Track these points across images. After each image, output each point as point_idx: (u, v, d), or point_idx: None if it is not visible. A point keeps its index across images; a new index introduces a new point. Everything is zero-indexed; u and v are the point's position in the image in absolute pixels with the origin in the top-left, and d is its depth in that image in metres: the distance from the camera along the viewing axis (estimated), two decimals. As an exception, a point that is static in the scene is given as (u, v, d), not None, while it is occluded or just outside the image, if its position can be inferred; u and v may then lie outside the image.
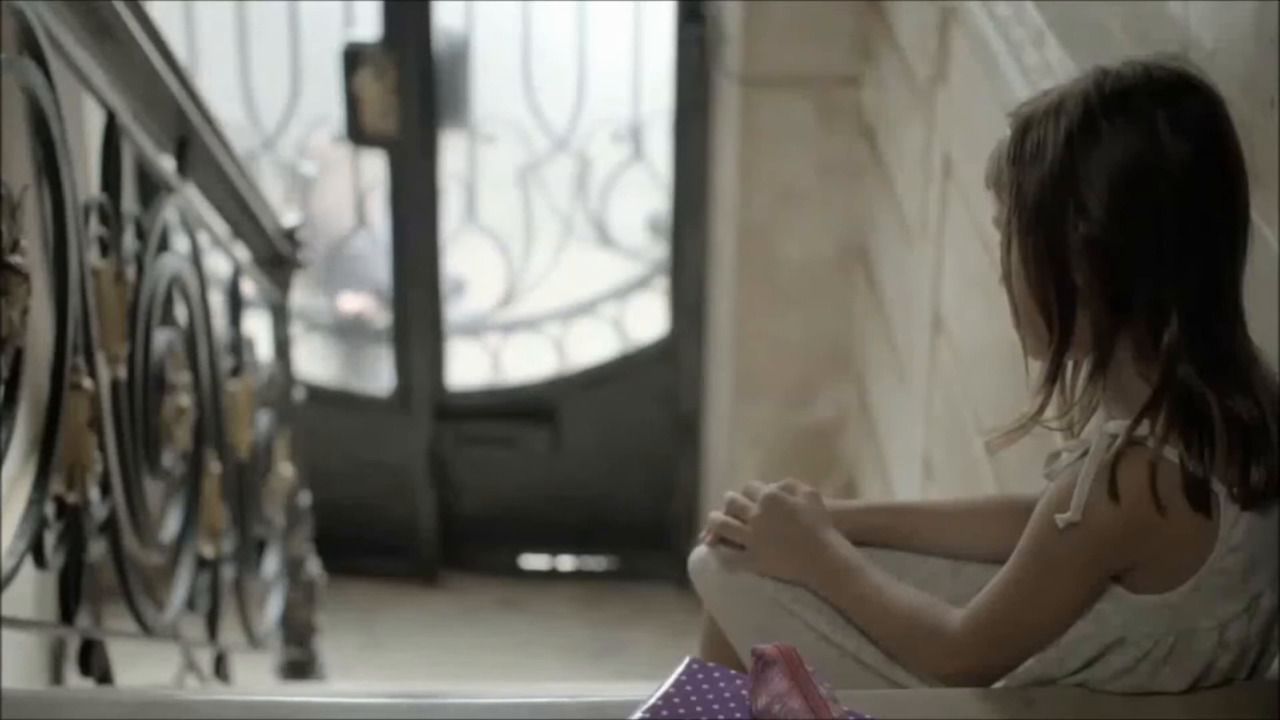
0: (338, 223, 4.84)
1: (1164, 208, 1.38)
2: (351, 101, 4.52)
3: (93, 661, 2.11)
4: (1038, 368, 1.48)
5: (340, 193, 4.80)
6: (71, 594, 1.96)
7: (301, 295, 4.28)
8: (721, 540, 1.65)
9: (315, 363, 4.86)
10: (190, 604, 2.56)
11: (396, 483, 4.81)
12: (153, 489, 2.32)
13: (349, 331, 5.04)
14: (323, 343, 5.05)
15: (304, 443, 3.62)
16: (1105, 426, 1.41)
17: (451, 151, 4.72)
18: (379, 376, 4.93)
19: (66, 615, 1.98)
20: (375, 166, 4.67)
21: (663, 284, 4.89)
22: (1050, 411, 1.50)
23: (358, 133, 4.57)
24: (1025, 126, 1.44)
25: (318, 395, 4.24)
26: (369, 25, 4.51)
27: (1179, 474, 1.38)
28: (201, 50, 4.56)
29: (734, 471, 4.23)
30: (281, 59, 4.64)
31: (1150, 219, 1.39)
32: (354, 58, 4.49)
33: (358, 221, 4.81)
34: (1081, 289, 1.42)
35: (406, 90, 4.47)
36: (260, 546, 3.29)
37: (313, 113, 4.71)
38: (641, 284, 4.97)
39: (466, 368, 4.90)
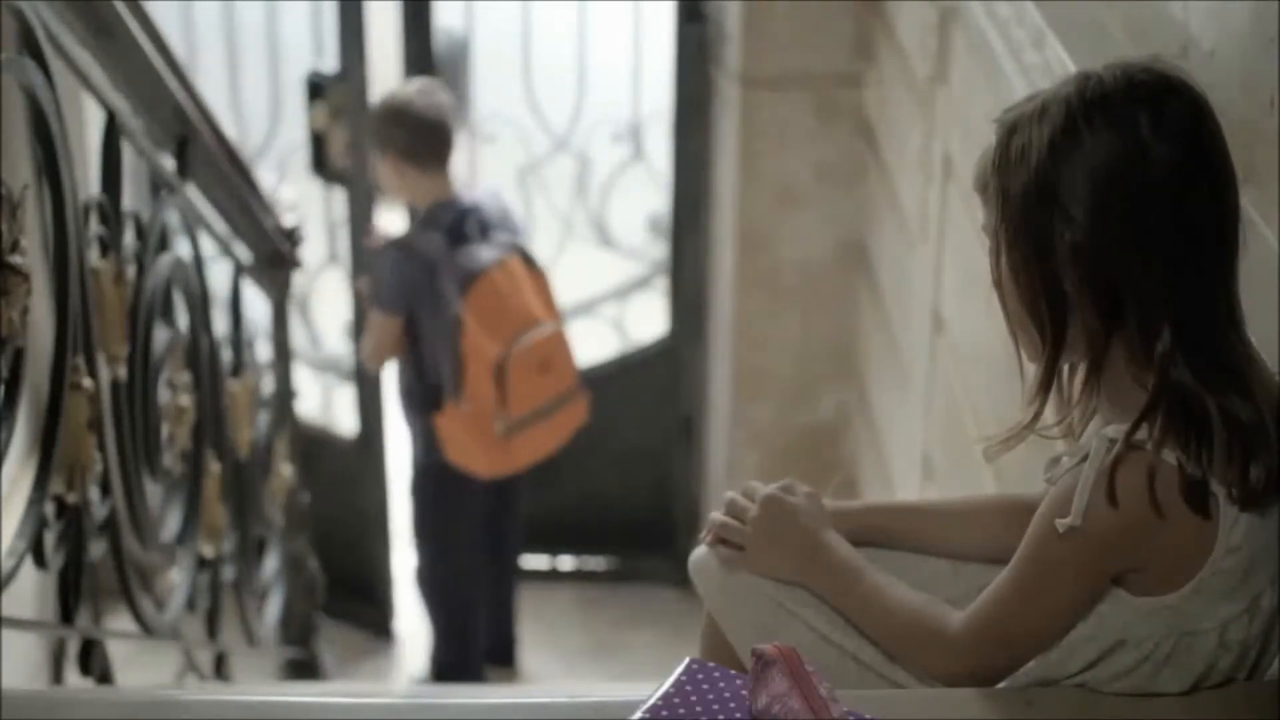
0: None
1: (1148, 211, 1.38)
2: (315, 136, 4.39)
3: (93, 661, 2.11)
4: (1033, 373, 1.48)
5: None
6: (71, 594, 1.96)
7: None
8: (721, 541, 1.65)
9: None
10: (190, 604, 2.56)
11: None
12: (153, 489, 2.32)
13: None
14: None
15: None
16: (1104, 431, 1.41)
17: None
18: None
19: (66, 615, 1.98)
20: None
21: (663, 284, 4.89)
22: (1049, 417, 1.50)
23: (322, 167, 4.43)
24: (1009, 133, 1.44)
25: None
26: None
27: (1177, 477, 1.38)
28: (195, 62, 4.54)
29: (734, 471, 4.23)
30: (264, 79, 4.61)
31: (1135, 223, 1.38)
32: (317, 88, 4.35)
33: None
34: (1071, 296, 1.42)
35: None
36: (260, 546, 3.29)
37: (292, 137, 4.63)
38: (641, 284, 4.98)
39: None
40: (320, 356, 4.92)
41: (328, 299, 4.78)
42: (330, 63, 4.37)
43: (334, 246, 4.72)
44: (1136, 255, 1.39)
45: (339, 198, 4.59)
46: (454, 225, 3.84)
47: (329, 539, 4.47)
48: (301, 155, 4.59)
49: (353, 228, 4.46)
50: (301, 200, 4.59)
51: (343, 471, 4.60)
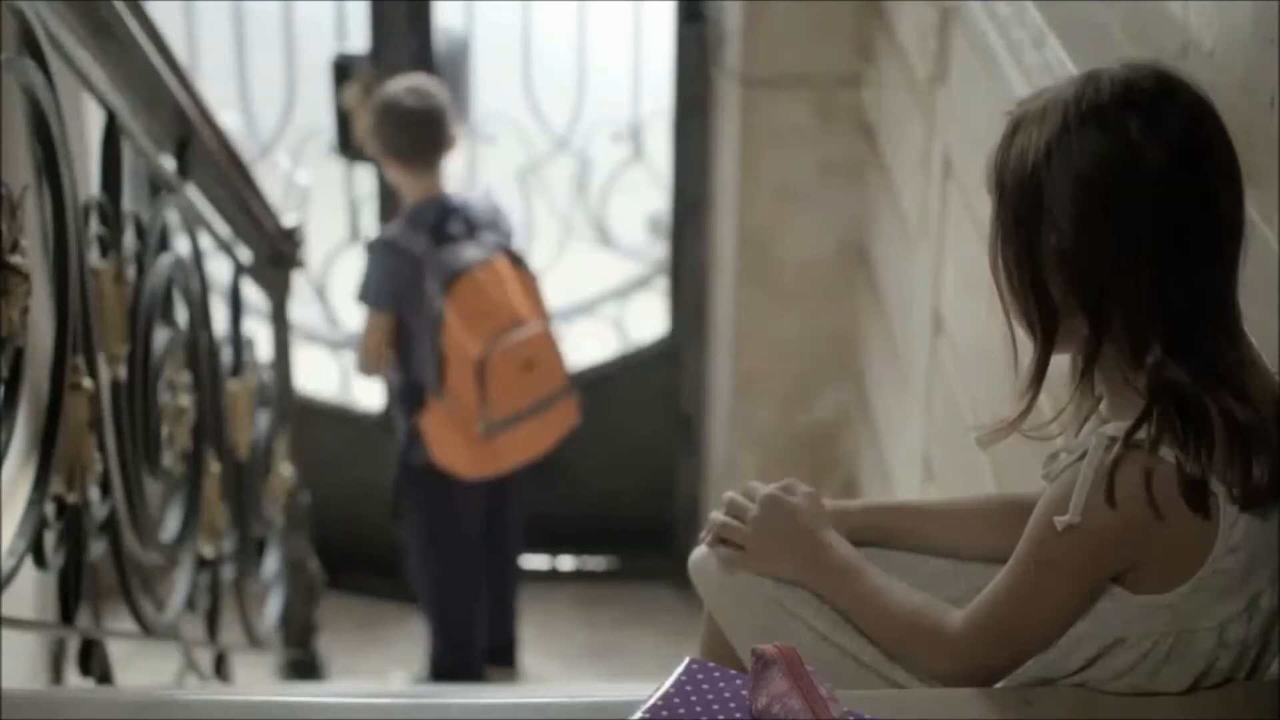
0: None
1: (1134, 217, 1.38)
2: (341, 115, 4.45)
3: (93, 661, 2.11)
4: (1026, 368, 1.48)
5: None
6: (71, 594, 1.96)
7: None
8: (721, 540, 1.65)
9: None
10: (190, 604, 2.56)
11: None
12: (153, 489, 2.32)
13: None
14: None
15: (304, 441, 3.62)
16: (1102, 429, 1.41)
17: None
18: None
19: (66, 615, 1.98)
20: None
21: (663, 284, 4.89)
22: (1049, 413, 1.50)
23: (348, 147, 4.48)
24: (1013, 131, 1.44)
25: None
26: (362, 34, 4.48)
27: (1176, 476, 1.37)
28: (199, 54, 4.56)
29: (734, 471, 4.23)
30: (277, 66, 4.63)
31: (1120, 228, 1.38)
32: (343, 69, 4.43)
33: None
34: (1059, 300, 1.42)
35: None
36: (260, 546, 3.29)
37: (308, 122, 4.69)
38: (641, 284, 4.98)
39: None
40: (339, 336, 4.93)
41: (348, 278, 4.79)
42: (351, 45, 4.45)
43: (355, 225, 4.75)
44: (1121, 261, 1.38)
45: (359, 178, 4.65)
46: (438, 223, 3.84)
47: (352, 514, 4.57)
48: (317, 140, 4.64)
49: (381, 205, 4.52)
50: (320, 182, 4.65)
51: (366, 448, 4.62)
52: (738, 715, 1.36)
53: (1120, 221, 1.38)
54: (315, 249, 4.38)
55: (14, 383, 1.71)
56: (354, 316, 4.79)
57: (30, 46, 1.78)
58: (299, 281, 3.71)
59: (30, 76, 1.76)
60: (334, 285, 4.83)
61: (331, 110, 4.49)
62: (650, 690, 1.39)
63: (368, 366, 4.06)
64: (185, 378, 2.43)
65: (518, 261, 3.94)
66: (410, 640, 4.51)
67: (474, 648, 4.27)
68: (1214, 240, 1.40)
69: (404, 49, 4.40)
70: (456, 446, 3.94)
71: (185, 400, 2.42)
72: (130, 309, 2.12)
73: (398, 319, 3.90)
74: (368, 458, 4.61)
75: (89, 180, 2.32)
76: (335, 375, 4.91)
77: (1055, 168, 1.39)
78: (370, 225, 4.68)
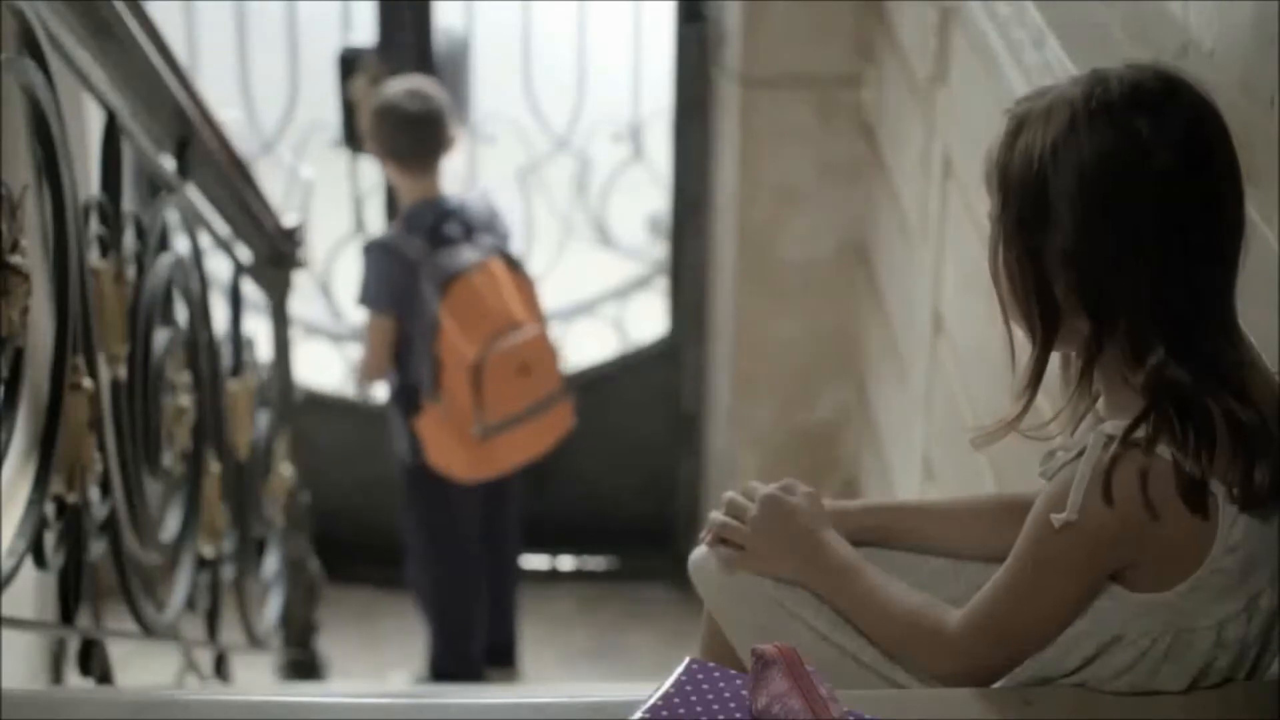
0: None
1: (1139, 218, 1.38)
2: (347, 107, 4.48)
3: (93, 661, 2.11)
4: (1023, 367, 1.48)
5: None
6: (71, 594, 1.96)
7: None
8: (721, 540, 1.65)
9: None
10: (190, 604, 2.56)
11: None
12: (153, 489, 2.32)
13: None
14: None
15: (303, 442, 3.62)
16: (1101, 427, 1.41)
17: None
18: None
19: (66, 615, 1.98)
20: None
21: (663, 284, 4.89)
22: (1047, 411, 1.50)
23: (353, 139, 4.50)
24: (1016, 129, 1.44)
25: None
26: (367, 29, 4.50)
27: (1174, 475, 1.37)
28: (201, 51, 4.56)
29: (734, 471, 4.23)
30: (280, 62, 4.64)
31: (1123, 229, 1.38)
32: (349, 63, 4.45)
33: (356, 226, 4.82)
34: (1061, 301, 1.42)
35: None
36: (260, 546, 3.29)
37: (311, 117, 4.71)
38: (641, 284, 4.98)
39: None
40: (343, 329, 4.93)
41: (352, 272, 4.78)
42: (356, 39, 4.49)
43: (359, 220, 4.75)
44: (1125, 262, 1.38)
45: (363, 172, 4.65)
46: (434, 226, 3.84)
47: (356, 506, 4.61)
48: (320, 135, 4.65)
49: (386, 199, 4.52)
50: (323, 176, 4.64)
51: (369, 440, 4.62)
52: (738, 715, 1.36)
53: (1124, 221, 1.38)
54: (319, 243, 4.39)
55: (14, 383, 1.71)
56: (357, 310, 4.81)
57: (30, 46, 1.78)
58: (302, 275, 3.71)
59: (30, 76, 1.76)
60: (338, 279, 4.83)
61: (337, 104, 4.51)
62: (650, 690, 1.39)
63: (370, 371, 4.06)
64: (185, 378, 2.44)
65: (514, 264, 3.94)
66: (410, 639, 4.51)
67: (474, 648, 4.27)
68: (1215, 240, 1.40)
69: (408, 46, 4.41)
70: (452, 450, 3.94)
71: (185, 400, 2.42)
72: (130, 309, 2.12)
73: (399, 321, 3.90)
74: (371, 449, 4.62)
75: (89, 180, 2.32)
76: (339, 368, 4.92)
77: (1062, 166, 1.39)
78: (375, 219, 4.70)
